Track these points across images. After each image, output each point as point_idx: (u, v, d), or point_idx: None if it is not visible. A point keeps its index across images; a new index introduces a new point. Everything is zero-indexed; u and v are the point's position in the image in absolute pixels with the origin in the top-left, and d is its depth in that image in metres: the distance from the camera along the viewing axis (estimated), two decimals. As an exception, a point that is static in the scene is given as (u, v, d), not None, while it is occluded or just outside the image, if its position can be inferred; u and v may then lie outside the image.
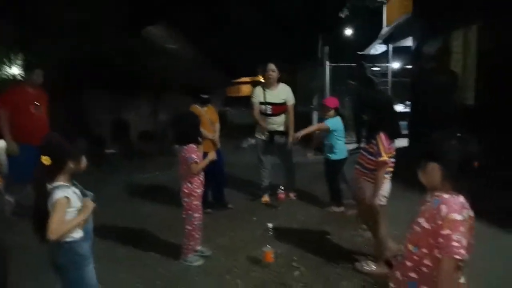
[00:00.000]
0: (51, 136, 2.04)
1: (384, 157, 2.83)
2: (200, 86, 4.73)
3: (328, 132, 4.41)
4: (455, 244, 1.41)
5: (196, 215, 3.26)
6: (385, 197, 2.97)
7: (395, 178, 3.01)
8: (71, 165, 1.97)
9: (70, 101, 8.11)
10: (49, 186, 1.91)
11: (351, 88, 8.62)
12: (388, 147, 2.87)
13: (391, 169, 2.98)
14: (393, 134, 2.97)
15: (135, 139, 10.24)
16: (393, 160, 2.95)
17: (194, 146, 3.21)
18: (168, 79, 10.70)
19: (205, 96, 4.53)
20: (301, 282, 2.94)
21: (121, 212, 4.59)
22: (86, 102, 9.12)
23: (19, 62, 8.00)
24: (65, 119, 5.94)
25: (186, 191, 3.24)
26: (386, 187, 2.96)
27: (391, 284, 1.71)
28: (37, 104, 4.20)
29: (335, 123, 4.40)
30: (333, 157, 4.41)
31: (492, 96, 5.08)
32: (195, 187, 3.24)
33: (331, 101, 4.55)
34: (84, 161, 2.04)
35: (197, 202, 3.27)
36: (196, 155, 3.17)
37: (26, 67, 4.61)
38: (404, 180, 3.46)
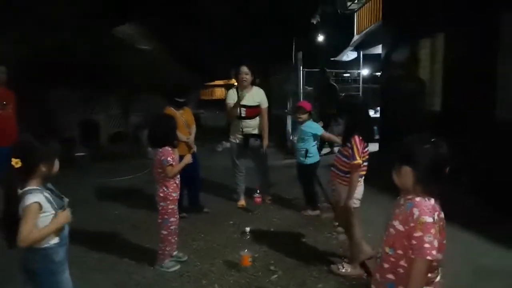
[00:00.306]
0: (23, 138, 1.94)
1: (358, 160, 2.89)
2: (175, 89, 4.64)
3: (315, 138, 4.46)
4: (426, 245, 1.47)
5: (172, 219, 3.21)
6: (359, 199, 3.05)
7: (366, 181, 3.09)
8: (43, 168, 1.88)
9: (37, 100, 7.78)
10: (20, 190, 1.82)
11: (313, 93, 8.85)
12: (363, 151, 2.95)
13: (364, 172, 3.05)
14: (368, 137, 3.05)
15: (106, 141, 9.95)
16: (366, 163, 3.04)
17: (170, 148, 3.17)
18: (140, 79, 10.49)
19: (181, 100, 4.47)
20: (279, 286, 2.95)
21: (93, 216, 4.44)
22: (54, 102, 8.78)
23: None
24: (32, 120, 5.68)
25: (161, 195, 3.18)
26: (359, 190, 3.03)
27: (372, 286, 1.75)
28: (3, 103, 4.00)
29: (315, 127, 4.47)
30: (307, 161, 4.46)
31: (458, 102, 5.33)
32: (171, 191, 3.19)
33: (307, 104, 4.62)
34: (57, 165, 1.96)
35: (173, 206, 3.22)
36: (171, 158, 3.13)
37: None
38: (375, 184, 3.57)
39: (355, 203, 2.99)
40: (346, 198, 2.97)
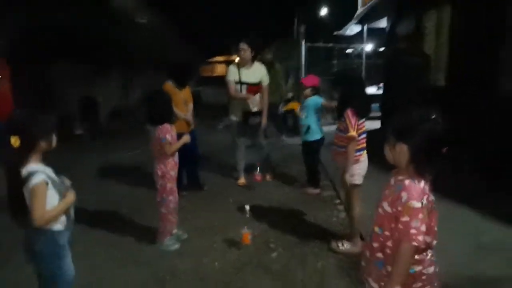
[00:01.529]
0: (17, 114, 1.83)
1: (352, 133, 2.80)
2: (178, 68, 4.46)
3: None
4: (413, 231, 1.44)
5: (170, 197, 3.18)
6: (362, 176, 2.98)
7: (369, 159, 3.02)
8: (42, 144, 1.81)
9: (35, 77, 7.65)
10: (23, 171, 1.75)
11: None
12: (357, 123, 2.85)
13: (363, 145, 2.96)
14: (362, 113, 2.93)
15: (105, 118, 9.88)
16: (363, 135, 2.94)
17: (168, 126, 3.10)
18: (139, 54, 10.29)
19: (183, 80, 4.34)
20: (279, 263, 2.96)
21: (93, 194, 4.42)
22: (52, 78, 8.65)
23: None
24: (28, 95, 5.56)
25: (159, 173, 3.13)
26: (362, 166, 2.95)
27: (362, 263, 1.74)
28: (-4, 78, 3.90)
29: (316, 101, 4.35)
30: (310, 138, 4.39)
31: (463, 77, 5.20)
32: (169, 169, 3.14)
33: (308, 80, 4.49)
34: (55, 139, 1.89)
35: (171, 185, 3.18)
36: (170, 136, 3.07)
37: None
38: (378, 162, 3.49)
39: (357, 179, 2.93)
40: (345, 173, 2.91)
